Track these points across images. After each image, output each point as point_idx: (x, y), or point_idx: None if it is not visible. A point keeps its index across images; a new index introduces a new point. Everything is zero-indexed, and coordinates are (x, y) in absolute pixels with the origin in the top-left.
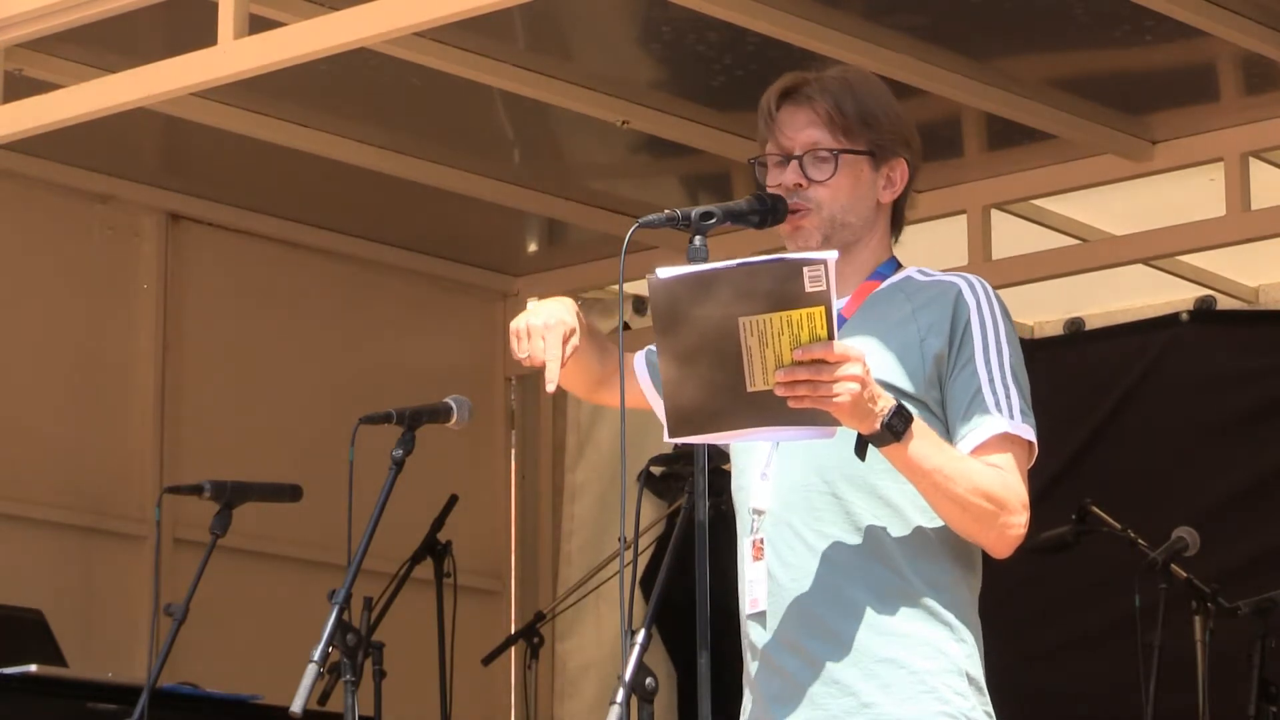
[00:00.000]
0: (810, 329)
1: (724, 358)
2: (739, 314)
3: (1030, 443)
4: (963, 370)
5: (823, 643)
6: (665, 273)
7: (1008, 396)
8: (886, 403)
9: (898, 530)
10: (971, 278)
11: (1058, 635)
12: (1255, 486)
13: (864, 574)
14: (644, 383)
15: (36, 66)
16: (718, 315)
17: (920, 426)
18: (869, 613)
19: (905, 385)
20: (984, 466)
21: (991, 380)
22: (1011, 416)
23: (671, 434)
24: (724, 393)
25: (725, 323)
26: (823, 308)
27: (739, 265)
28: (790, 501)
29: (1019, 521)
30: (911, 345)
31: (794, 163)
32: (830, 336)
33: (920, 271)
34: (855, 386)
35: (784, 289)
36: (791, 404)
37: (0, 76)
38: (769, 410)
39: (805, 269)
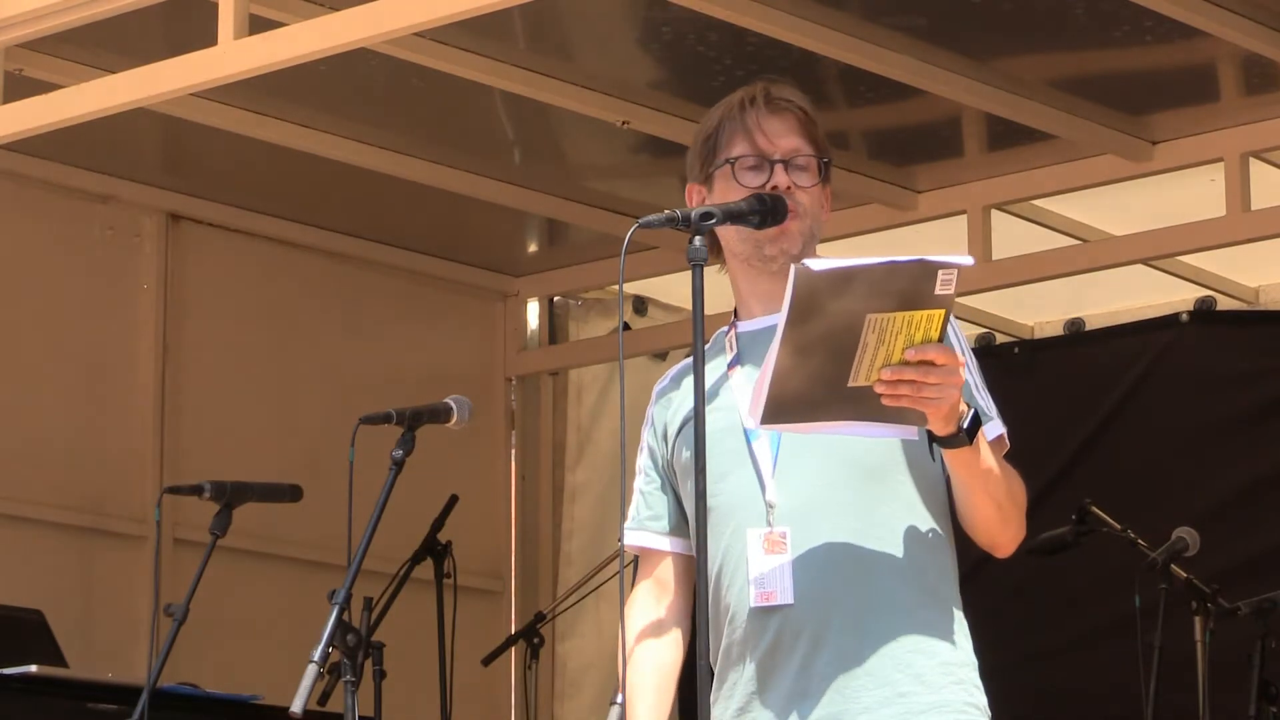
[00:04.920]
0: (925, 330)
1: (838, 352)
2: (868, 310)
3: (1008, 445)
4: None
5: (853, 636)
6: (816, 264)
7: (989, 400)
8: (965, 408)
9: (917, 525)
10: None
11: (1058, 635)
12: (1255, 486)
13: (889, 567)
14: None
15: (36, 66)
16: (849, 310)
17: (982, 431)
18: (897, 605)
19: None
20: (1009, 468)
21: (976, 386)
22: (997, 419)
23: (764, 420)
24: (825, 385)
25: (853, 319)
26: (943, 311)
27: (882, 263)
28: (811, 495)
29: (1024, 522)
30: None
31: (779, 166)
32: (941, 339)
33: None
34: (956, 392)
35: (916, 289)
36: (888, 401)
37: (0, 76)
38: (861, 406)
39: (941, 272)
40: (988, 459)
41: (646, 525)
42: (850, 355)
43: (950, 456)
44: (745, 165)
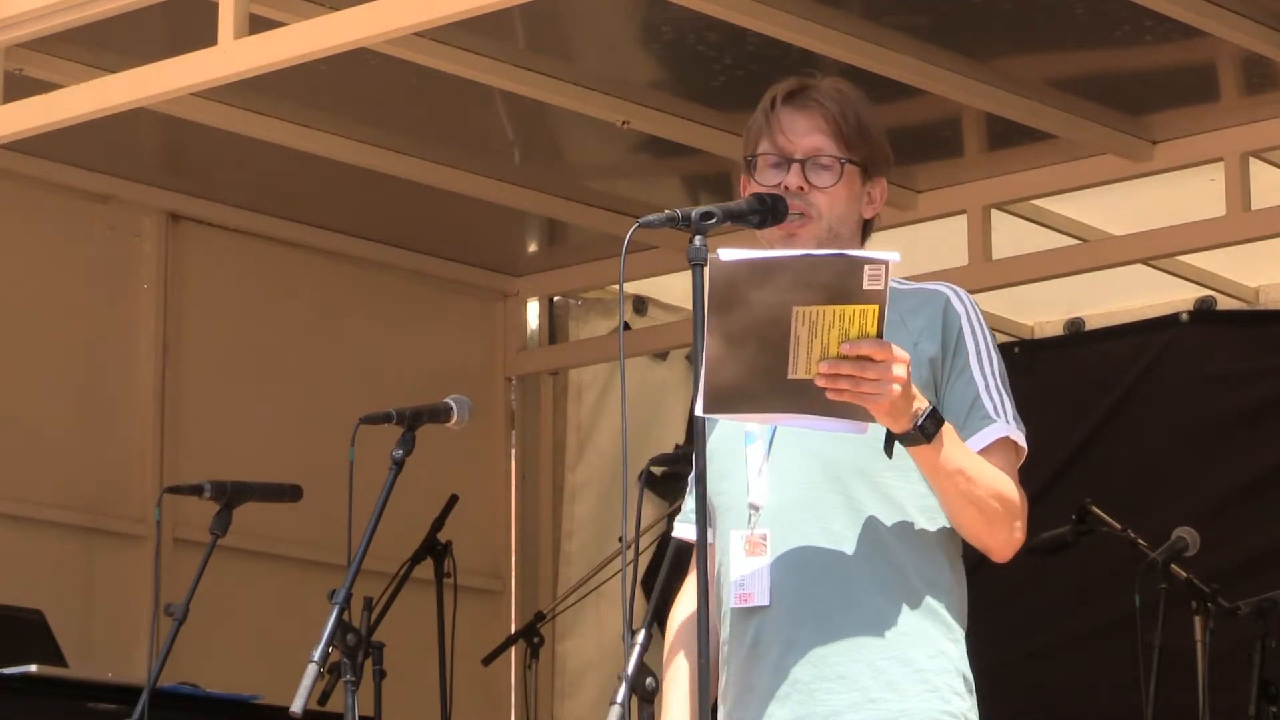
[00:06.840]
0: (860, 325)
1: (770, 343)
2: (794, 303)
3: (1022, 447)
4: (959, 376)
5: (828, 639)
6: (729, 255)
7: (1003, 402)
8: (921, 404)
9: (902, 529)
10: (954, 287)
11: (1058, 635)
12: (1255, 486)
13: (869, 571)
14: None
15: (36, 66)
16: (773, 301)
17: (948, 429)
18: (874, 610)
19: None
20: (997, 470)
21: (987, 386)
22: (1008, 421)
23: (705, 410)
24: (763, 376)
25: (778, 310)
26: (876, 306)
27: (802, 256)
28: (794, 498)
29: (1023, 524)
30: (906, 350)
31: (796, 166)
32: (879, 335)
33: (894, 280)
34: (896, 387)
35: (842, 284)
36: (830, 396)
37: (0, 76)
38: (805, 398)
39: (866, 267)
40: (955, 458)
41: (689, 517)
42: (783, 347)
43: (912, 455)
44: (768, 163)
